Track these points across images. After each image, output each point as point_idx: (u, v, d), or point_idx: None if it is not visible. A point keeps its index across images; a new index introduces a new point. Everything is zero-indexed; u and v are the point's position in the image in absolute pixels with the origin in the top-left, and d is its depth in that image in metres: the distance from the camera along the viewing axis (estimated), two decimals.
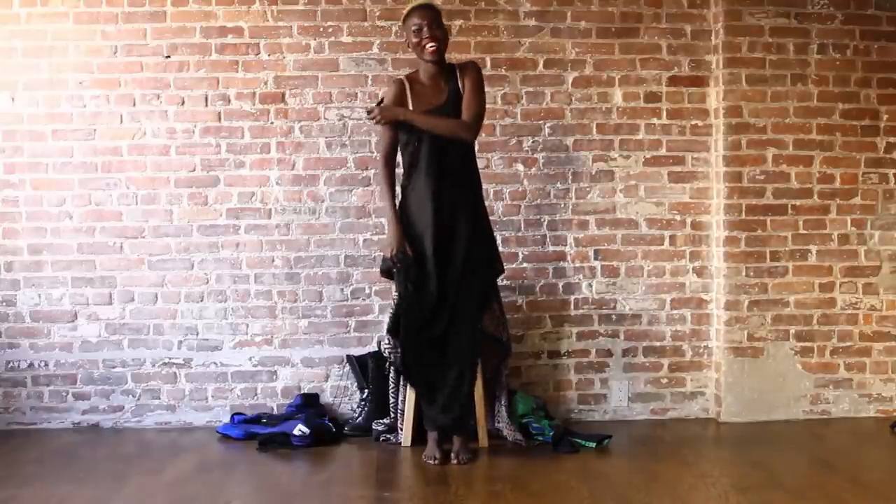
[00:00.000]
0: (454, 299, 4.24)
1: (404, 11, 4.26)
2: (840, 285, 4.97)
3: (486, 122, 4.46)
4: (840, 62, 4.94)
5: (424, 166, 4.23)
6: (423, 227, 4.24)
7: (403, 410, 4.47)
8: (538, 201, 4.98)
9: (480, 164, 4.50)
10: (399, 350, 4.33)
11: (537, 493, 3.76)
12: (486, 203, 4.49)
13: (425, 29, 4.16)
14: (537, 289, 4.99)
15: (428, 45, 4.18)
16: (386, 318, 4.66)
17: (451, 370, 4.26)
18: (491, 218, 4.59)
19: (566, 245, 5.00)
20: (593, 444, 4.39)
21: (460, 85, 4.26)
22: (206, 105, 4.89)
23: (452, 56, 4.51)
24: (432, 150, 4.21)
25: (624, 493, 3.79)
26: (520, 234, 4.98)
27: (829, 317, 4.97)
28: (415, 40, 4.20)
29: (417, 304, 4.24)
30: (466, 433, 4.31)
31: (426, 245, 4.23)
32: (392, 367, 4.54)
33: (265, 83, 4.90)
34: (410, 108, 4.23)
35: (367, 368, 4.73)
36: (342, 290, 4.94)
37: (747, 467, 4.13)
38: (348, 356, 4.87)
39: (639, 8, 4.97)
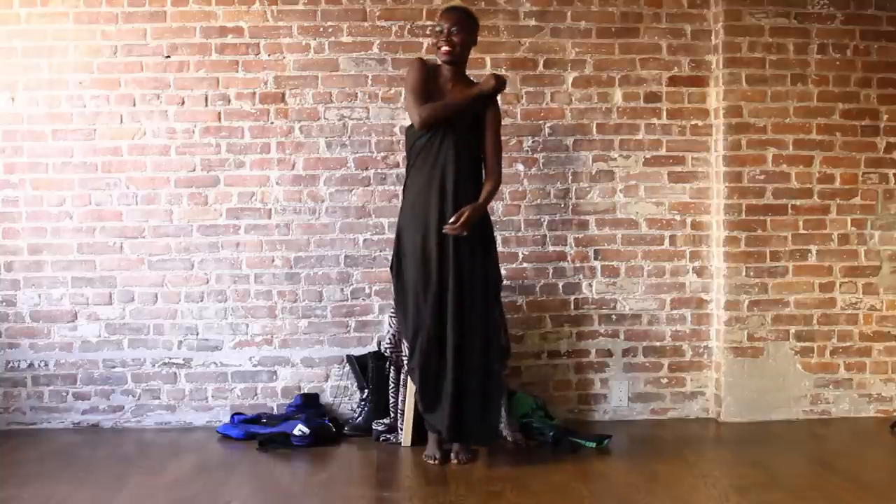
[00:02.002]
0: (461, 307, 4.17)
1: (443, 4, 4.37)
2: (840, 285, 4.97)
3: None
4: (840, 62, 4.94)
5: (432, 163, 4.22)
6: (424, 226, 4.22)
7: (403, 410, 4.47)
8: (538, 201, 4.98)
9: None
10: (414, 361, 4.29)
11: (537, 493, 3.76)
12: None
13: (445, 32, 4.20)
14: (537, 289, 4.99)
15: (442, 48, 4.22)
16: (386, 318, 4.67)
17: (466, 377, 4.17)
18: (490, 218, 4.57)
19: (566, 245, 5.00)
20: (593, 444, 4.39)
21: (486, 118, 4.25)
22: (206, 105, 4.89)
23: None
24: (447, 149, 4.21)
25: (624, 493, 3.79)
26: (520, 234, 4.98)
27: (829, 317, 4.97)
28: (434, 40, 4.26)
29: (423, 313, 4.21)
30: (483, 441, 4.29)
31: (429, 245, 4.21)
32: (392, 367, 4.55)
33: (265, 83, 4.90)
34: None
35: (367, 368, 4.73)
36: (342, 290, 4.94)
37: (747, 467, 4.13)
38: (348, 356, 4.87)
39: (639, 8, 4.97)
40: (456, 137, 4.21)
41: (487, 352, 4.22)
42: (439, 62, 4.27)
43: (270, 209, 4.92)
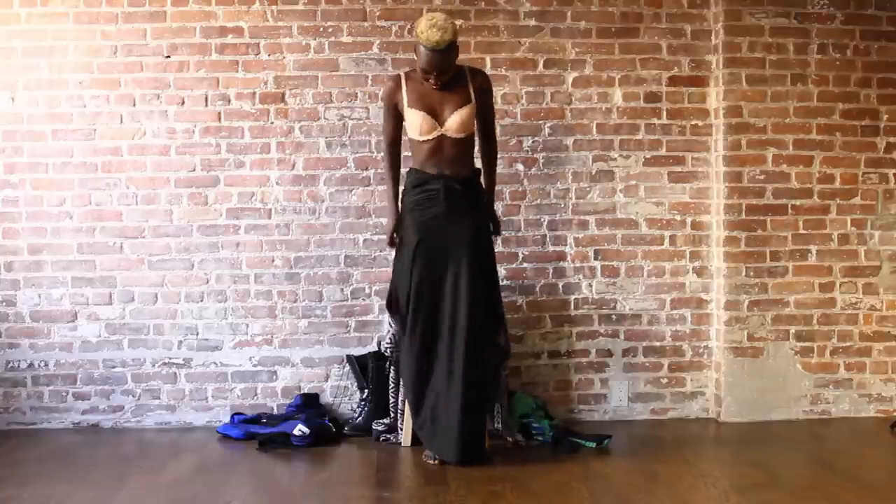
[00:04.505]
0: (459, 315, 4.17)
1: (421, 31, 4.05)
2: (840, 285, 4.97)
3: None
4: (840, 62, 4.94)
5: (431, 164, 4.26)
6: (424, 234, 4.24)
7: (403, 410, 4.47)
8: (538, 201, 4.98)
9: (480, 164, 4.50)
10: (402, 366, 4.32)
11: (537, 493, 3.76)
12: None
13: (434, 74, 4.13)
14: (537, 289, 4.99)
15: (432, 85, 4.18)
16: (386, 318, 4.66)
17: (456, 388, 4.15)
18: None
19: (566, 245, 5.00)
20: (593, 444, 4.39)
21: (472, 92, 4.25)
22: (206, 105, 4.89)
23: None
24: (446, 152, 4.24)
25: (624, 493, 3.79)
26: (520, 234, 4.98)
27: (829, 317, 4.97)
28: (421, 76, 4.18)
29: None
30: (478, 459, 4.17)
31: (431, 255, 4.23)
32: (392, 367, 4.54)
33: (265, 83, 4.90)
34: (406, 104, 4.23)
35: (367, 368, 4.73)
36: (342, 290, 4.94)
37: (747, 467, 4.13)
38: (348, 356, 4.87)
39: (639, 8, 4.97)
40: (453, 139, 4.22)
41: (482, 367, 4.21)
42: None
43: (270, 209, 4.92)
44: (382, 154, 4.52)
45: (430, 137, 4.21)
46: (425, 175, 4.25)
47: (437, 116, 4.22)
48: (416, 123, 4.22)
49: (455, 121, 4.21)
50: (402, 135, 4.37)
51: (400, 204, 4.37)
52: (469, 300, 4.14)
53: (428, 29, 4.05)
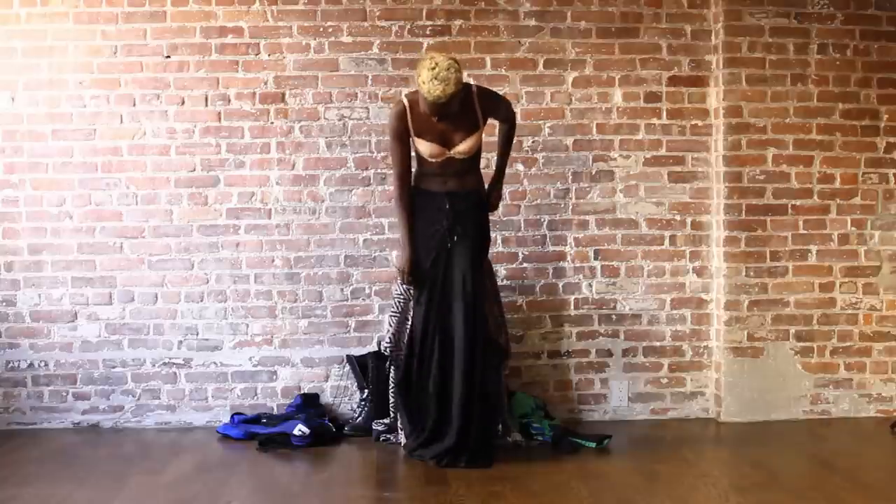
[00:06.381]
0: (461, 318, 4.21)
1: (423, 82, 3.98)
2: (840, 285, 4.97)
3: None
4: (840, 62, 4.94)
5: (438, 172, 4.27)
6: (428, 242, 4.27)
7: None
8: (538, 201, 4.98)
9: (481, 164, 4.50)
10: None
11: (537, 493, 3.76)
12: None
13: (436, 119, 4.11)
14: (537, 289, 4.99)
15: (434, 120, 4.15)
16: (386, 318, 4.66)
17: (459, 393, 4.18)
18: (491, 218, 4.57)
19: (566, 245, 5.00)
20: (593, 444, 4.39)
21: (480, 118, 4.23)
22: (206, 105, 4.89)
23: (451, 53, 4.48)
24: (453, 164, 4.25)
25: (624, 493, 3.79)
26: (520, 234, 4.98)
27: (829, 317, 4.96)
28: (423, 111, 4.13)
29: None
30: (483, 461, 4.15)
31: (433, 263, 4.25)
32: (392, 367, 4.54)
33: (265, 83, 4.90)
34: (413, 133, 4.19)
35: (367, 368, 4.74)
36: (342, 290, 4.94)
37: (747, 467, 4.13)
38: (348, 356, 4.87)
39: (639, 8, 4.97)
40: (460, 158, 4.24)
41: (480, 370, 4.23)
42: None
43: (270, 209, 4.92)
44: (394, 187, 4.33)
45: (439, 160, 4.23)
46: (430, 193, 4.26)
47: (445, 143, 4.20)
48: (425, 150, 4.21)
49: (463, 147, 4.21)
50: (411, 159, 4.30)
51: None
52: (473, 311, 4.19)
53: (429, 81, 3.95)
